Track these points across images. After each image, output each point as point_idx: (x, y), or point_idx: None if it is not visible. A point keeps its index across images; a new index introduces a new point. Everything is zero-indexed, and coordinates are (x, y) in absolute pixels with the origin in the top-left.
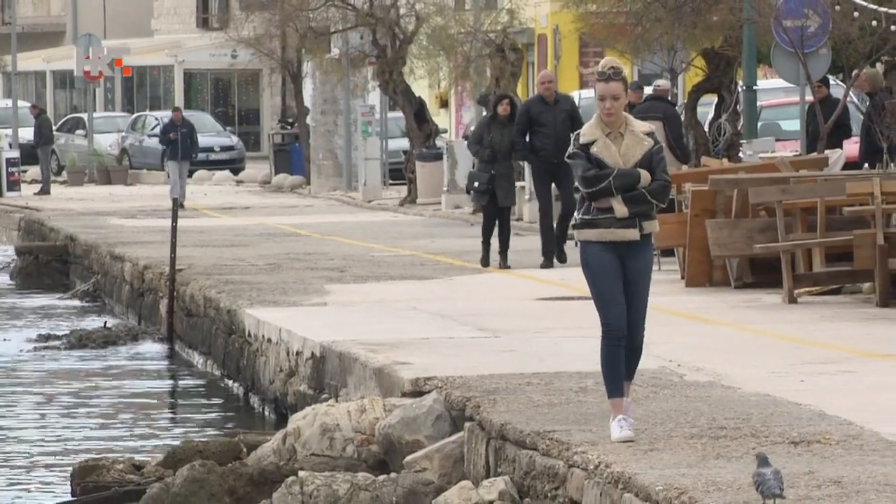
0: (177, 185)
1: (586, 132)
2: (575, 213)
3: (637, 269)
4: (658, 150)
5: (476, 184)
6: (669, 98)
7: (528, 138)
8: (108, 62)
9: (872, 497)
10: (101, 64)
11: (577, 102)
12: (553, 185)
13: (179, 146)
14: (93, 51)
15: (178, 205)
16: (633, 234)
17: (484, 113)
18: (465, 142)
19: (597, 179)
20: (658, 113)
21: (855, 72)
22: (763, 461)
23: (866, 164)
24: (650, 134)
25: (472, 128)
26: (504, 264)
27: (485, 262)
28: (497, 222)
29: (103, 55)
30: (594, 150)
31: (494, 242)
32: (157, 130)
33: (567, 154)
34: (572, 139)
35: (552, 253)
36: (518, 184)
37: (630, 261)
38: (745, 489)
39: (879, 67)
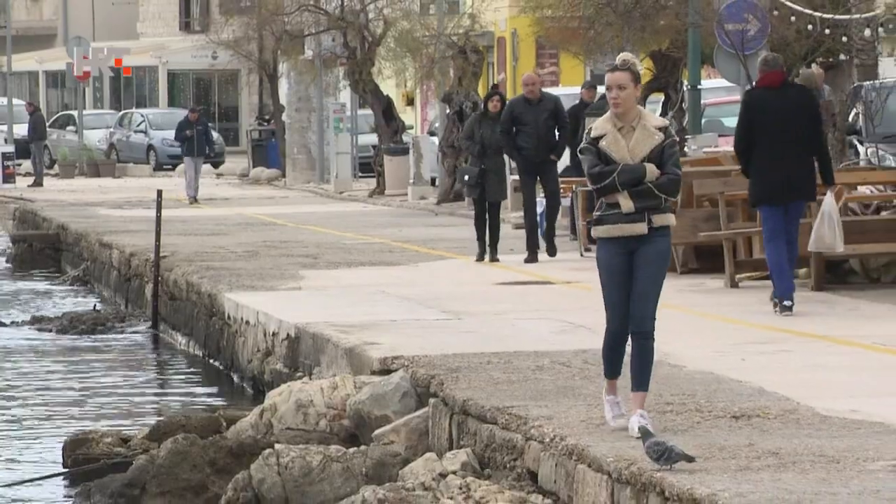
0: (192, 181)
1: (598, 126)
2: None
3: (645, 254)
4: (670, 145)
5: (466, 177)
6: None
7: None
8: (108, 62)
9: (808, 467)
10: (100, 63)
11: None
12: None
13: (195, 144)
14: (78, 51)
15: (192, 200)
16: (640, 228)
17: (447, 110)
18: (431, 137)
19: (601, 176)
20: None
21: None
22: (647, 433)
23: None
24: (664, 128)
25: (437, 124)
26: (493, 257)
27: (480, 257)
28: (487, 217)
29: (89, 56)
30: (602, 143)
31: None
32: (144, 127)
33: (578, 148)
34: (584, 133)
35: (537, 248)
36: (513, 177)
37: (638, 252)
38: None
39: (815, 68)
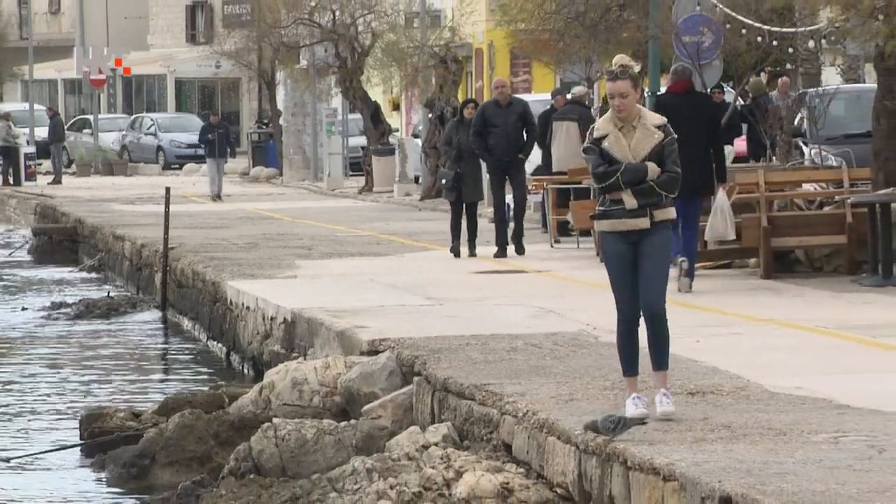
0: (215, 180)
1: (600, 126)
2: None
3: (649, 245)
4: (670, 143)
5: (444, 181)
6: (586, 102)
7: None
8: (108, 63)
9: (757, 438)
10: (100, 63)
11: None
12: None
13: (216, 146)
14: (92, 60)
15: (214, 198)
16: (643, 223)
17: (430, 115)
18: (415, 139)
19: (605, 176)
20: (574, 115)
21: (744, 80)
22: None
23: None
24: (662, 126)
25: (421, 127)
26: (472, 253)
27: (456, 252)
28: (465, 216)
29: (104, 61)
30: (605, 144)
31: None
32: (153, 129)
33: (582, 148)
34: (588, 133)
35: (506, 244)
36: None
37: (642, 243)
38: (649, 432)
39: (763, 77)
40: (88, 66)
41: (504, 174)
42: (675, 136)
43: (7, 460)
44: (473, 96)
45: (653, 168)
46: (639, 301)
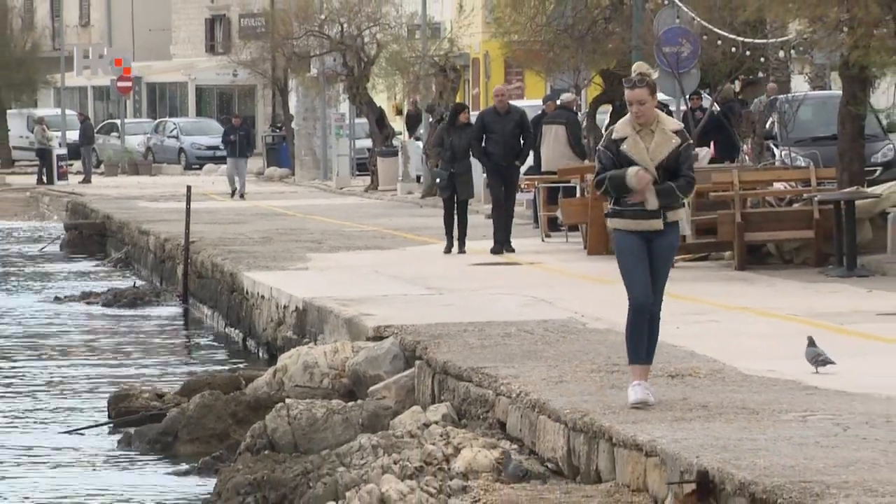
0: (233, 178)
1: (618, 128)
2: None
3: (662, 247)
4: (686, 148)
5: (437, 180)
6: (574, 108)
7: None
8: (108, 62)
9: (732, 417)
10: (100, 64)
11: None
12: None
13: (237, 146)
14: (91, 60)
15: (237, 196)
16: (657, 224)
17: (430, 119)
18: (416, 142)
19: (599, 183)
20: (562, 119)
21: (719, 87)
22: (811, 342)
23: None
24: (679, 132)
25: (422, 130)
26: (461, 250)
27: (448, 249)
28: (457, 213)
29: (103, 63)
30: (624, 147)
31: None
32: (175, 133)
33: (597, 148)
34: (605, 134)
35: (503, 241)
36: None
37: (654, 243)
38: (632, 411)
39: (737, 84)
40: (89, 66)
41: (502, 177)
42: (691, 141)
43: (40, 439)
44: (469, 103)
45: (629, 172)
46: (650, 292)
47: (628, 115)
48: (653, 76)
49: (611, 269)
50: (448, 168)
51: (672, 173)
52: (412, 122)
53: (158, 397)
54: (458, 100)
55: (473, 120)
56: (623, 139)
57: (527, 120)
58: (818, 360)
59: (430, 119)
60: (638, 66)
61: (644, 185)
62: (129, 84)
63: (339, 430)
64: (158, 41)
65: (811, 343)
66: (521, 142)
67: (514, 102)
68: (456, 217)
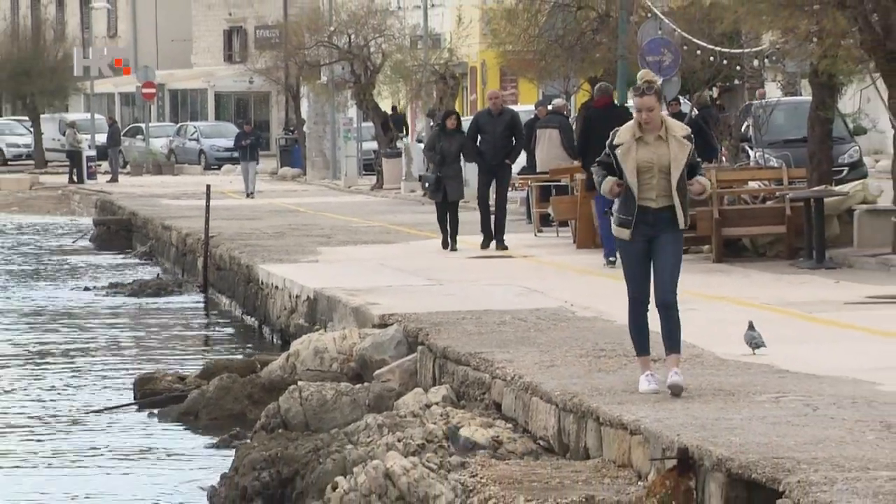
0: (247, 180)
1: (620, 134)
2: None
3: (664, 240)
4: (694, 151)
5: (426, 184)
6: (564, 112)
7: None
8: (108, 62)
9: (710, 398)
10: (100, 63)
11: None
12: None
13: (248, 151)
14: (92, 60)
15: (248, 196)
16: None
17: (431, 124)
18: (418, 144)
19: (591, 182)
20: (555, 123)
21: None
22: (751, 326)
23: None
24: (688, 136)
25: (424, 134)
26: (453, 246)
27: (444, 244)
28: (447, 213)
29: (102, 62)
30: (618, 152)
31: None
32: (196, 136)
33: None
34: (610, 136)
35: (490, 236)
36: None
37: (657, 239)
38: (618, 393)
39: (715, 91)
40: (89, 63)
41: (492, 175)
42: (692, 146)
43: (73, 418)
44: (468, 108)
45: (605, 184)
46: (649, 288)
47: (632, 121)
48: (658, 84)
49: (598, 261)
50: (437, 171)
51: (689, 172)
52: (397, 125)
53: (181, 380)
54: (457, 105)
55: (466, 125)
56: (619, 145)
57: (518, 121)
58: (753, 342)
59: (431, 123)
60: (644, 74)
61: (612, 197)
62: (153, 91)
63: (347, 410)
64: (180, 51)
65: (750, 327)
66: (513, 142)
67: (510, 108)
68: (448, 216)
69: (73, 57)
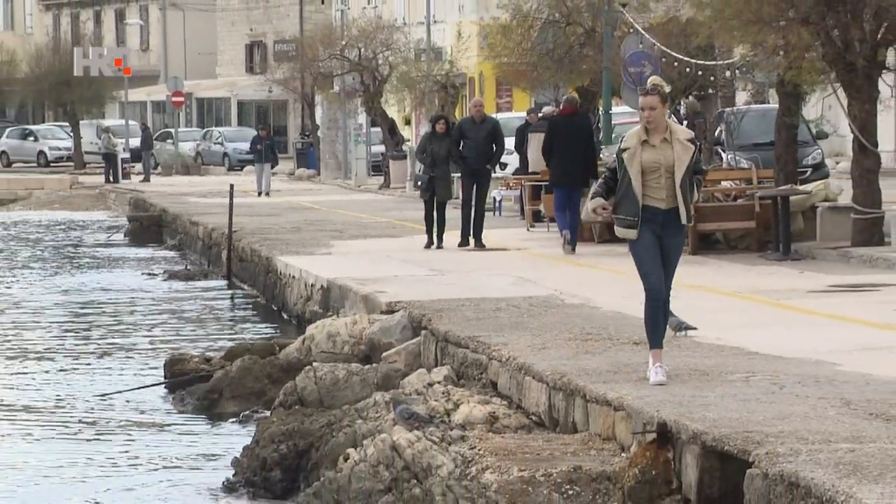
0: (261, 180)
1: (627, 138)
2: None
3: (671, 245)
4: (697, 153)
5: (419, 183)
6: None
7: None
8: (108, 62)
9: (686, 378)
10: (100, 63)
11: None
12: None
13: (263, 154)
14: (93, 59)
15: (259, 194)
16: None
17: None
18: None
19: (595, 195)
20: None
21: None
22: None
23: None
24: (692, 140)
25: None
26: (439, 244)
27: (429, 244)
28: (436, 213)
29: (103, 62)
30: (625, 155)
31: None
32: (220, 140)
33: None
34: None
35: (468, 236)
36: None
37: (665, 238)
38: (603, 373)
39: (691, 98)
40: (95, 63)
41: (474, 179)
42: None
43: (105, 395)
44: (467, 114)
45: (589, 205)
46: (665, 282)
47: (638, 126)
48: (665, 88)
49: (585, 253)
50: (429, 173)
51: (692, 173)
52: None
53: (206, 361)
54: (457, 112)
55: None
56: (626, 149)
57: (499, 129)
58: (681, 326)
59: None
60: (653, 79)
61: (593, 216)
62: (181, 99)
63: (357, 388)
64: (206, 63)
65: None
66: (493, 148)
67: (505, 114)
68: (435, 216)
69: (73, 57)
